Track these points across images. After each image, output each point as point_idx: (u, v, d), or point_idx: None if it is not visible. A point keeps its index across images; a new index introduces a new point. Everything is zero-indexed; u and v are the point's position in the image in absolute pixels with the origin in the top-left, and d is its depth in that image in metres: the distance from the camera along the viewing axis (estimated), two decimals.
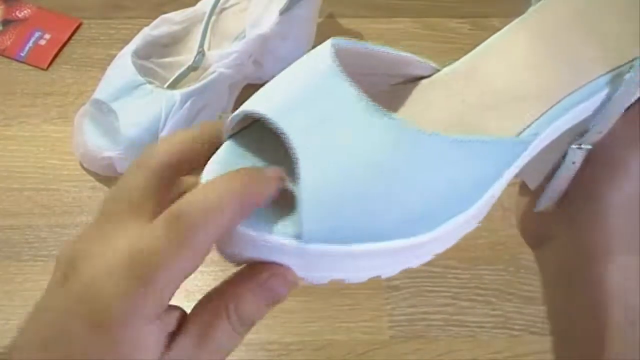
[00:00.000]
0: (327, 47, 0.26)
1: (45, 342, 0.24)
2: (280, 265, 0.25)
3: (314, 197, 0.23)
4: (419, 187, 0.25)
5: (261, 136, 0.25)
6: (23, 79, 0.67)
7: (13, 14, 0.71)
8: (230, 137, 0.27)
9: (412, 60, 0.30)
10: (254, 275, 0.25)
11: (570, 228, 0.32)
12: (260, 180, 0.24)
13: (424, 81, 0.31)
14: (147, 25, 0.64)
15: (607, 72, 0.29)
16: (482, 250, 0.59)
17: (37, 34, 0.69)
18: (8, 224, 0.59)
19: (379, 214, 0.24)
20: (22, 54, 0.68)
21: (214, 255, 0.51)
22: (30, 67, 0.68)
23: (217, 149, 0.26)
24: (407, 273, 0.63)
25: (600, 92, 0.29)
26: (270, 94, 0.26)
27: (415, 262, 0.27)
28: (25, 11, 0.71)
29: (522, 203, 0.35)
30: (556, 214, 0.33)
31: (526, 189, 0.34)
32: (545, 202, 0.33)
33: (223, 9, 0.65)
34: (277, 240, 0.24)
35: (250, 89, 0.65)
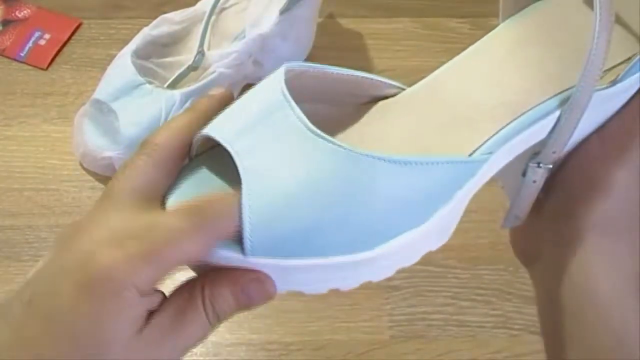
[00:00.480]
0: (279, 73, 0.28)
1: (31, 298, 0.25)
2: (263, 273, 0.26)
3: (254, 215, 0.25)
4: (360, 207, 0.26)
5: (224, 154, 0.27)
6: (23, 79, 0.67)
7: (13, 14, 0.71)
8: (197, 155, 0.29)
9: (375, 81, 0.31)
10: (236, 276, 0.26)
11: (555, 248, 0.32)
12: None
13: (387, 101, 0.32)
14: (147, 25, 0.64)
15: (557, 94, 0.29)
16: (482, 250, 0.59)
17: (37, 34, 0.69)
18: (8, 224, 0.59)
19: (319, 232, 0.26)
20: (22, 54, 0.68)
21: None
22: (30, 67, 0.68)
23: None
24: (407, 273, 0.63)
25: (552, 113, 0.29)
26: (227, 118, 0.28)
27: (376, 276, 0.28)
28: (25, 11, 0.71)
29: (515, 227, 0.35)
30: (542, 233, 0.33)
31: None
32: (512, 219, 0.33)
33: (223, 9, 0.65)
34: (222, 252, 0.26)
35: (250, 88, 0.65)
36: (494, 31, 0.33)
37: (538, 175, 0.31)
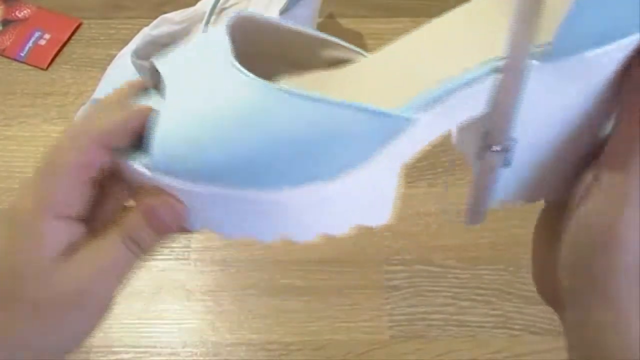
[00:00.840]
0: (229, 17, 0.29)
1: None
2: (173, 197, 0.27)
3: (164, 130, 0.26)
4: (264, 141, 0.26)
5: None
6: (23, 79, 0.67)
7: (13, 14, 0.71)
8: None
9: (333, 43, 0.31)
10: (145, 199, 0.27)
11: (577, 304, 0.30)
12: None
13: (347, 67, 0.31)
14: (147, 25, 0.63)
15: (488, 61, 0.27)
16: (482, 250, 0.59)
17: (37, 34, 0.69)
18: None
19: (224, 160, 0.26)
20: (22, 54, 0.68)
21: (213, 254, 0.51)
22: (30, 67, 0.68)
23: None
24: (407, 273, 0.63)
25: (484, 80, 0.27)
26: (171, 52, 0.30)
27: (294, 234, 0.28)
28: (25, 11, 0.71)
29: (536, 263, 0.33)
30: (562, 283, 0.30)
31: (539, 249, 0.33)
32: (473, 216, 0.31)
33: (223, 9, 0.65)
34: (132, 166, 0.27)
35: None
36: (466, 4, 0.32)
37: (490, 160, 0.28)
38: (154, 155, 0.26)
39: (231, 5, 0.66)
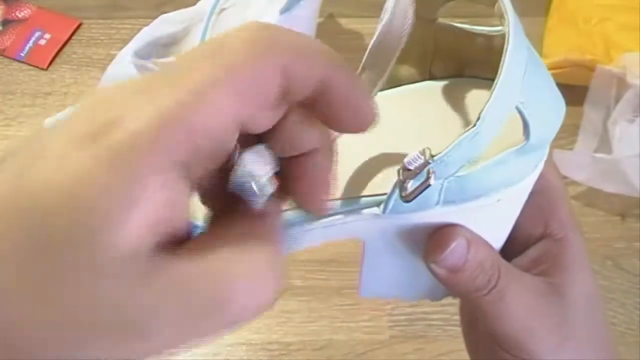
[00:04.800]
0: None
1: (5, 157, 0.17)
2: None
3: None
4: None
5: None
6: (23, 79, 0.67)
7: (13, 14, 0.71)
8: None
9: None
10: None
11: None
12: None
13: None
14: (147, 25, 0.64)
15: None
16: None
17: (37, 34, 0.69)
18: None
19: None
20: (22, 54, 0.68)
21: None
22: (30, 67, 0.68)
23: None
24: None
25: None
26: None
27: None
28: (25, 11, 0.71)
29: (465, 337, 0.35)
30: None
31: (463, 327, 0.36)
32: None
33: (223, 9, 0.65)
34: None
35: None
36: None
37: None
38: None
39: (231, 5, 0.66)
